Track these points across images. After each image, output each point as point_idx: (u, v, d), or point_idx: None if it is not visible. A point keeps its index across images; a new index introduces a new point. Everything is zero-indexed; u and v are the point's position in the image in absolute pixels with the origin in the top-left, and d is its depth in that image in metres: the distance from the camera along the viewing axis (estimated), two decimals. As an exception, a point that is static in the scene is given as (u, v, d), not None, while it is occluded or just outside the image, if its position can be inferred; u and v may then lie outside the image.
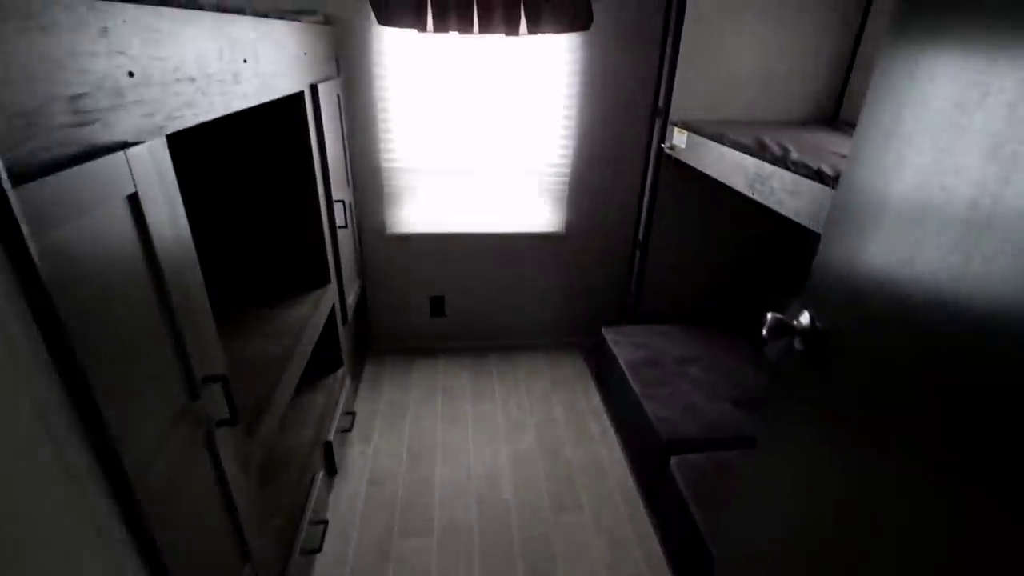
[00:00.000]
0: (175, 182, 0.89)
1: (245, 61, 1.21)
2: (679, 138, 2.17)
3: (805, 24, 2.17)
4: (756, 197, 1.59)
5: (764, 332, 0.91)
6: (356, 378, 2.59)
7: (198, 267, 0.97)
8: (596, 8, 2.21)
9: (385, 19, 2.11)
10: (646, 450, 2.03)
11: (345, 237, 2.22)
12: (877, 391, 0.74)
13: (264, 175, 1.81)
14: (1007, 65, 0.53)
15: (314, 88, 1.77)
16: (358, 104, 2.33)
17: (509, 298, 2.89)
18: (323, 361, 2.13)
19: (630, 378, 2.19)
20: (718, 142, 1.84)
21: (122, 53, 0.75)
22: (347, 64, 2.25)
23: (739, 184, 1.70)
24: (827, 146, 1.64)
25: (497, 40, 2.24)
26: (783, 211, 1.45)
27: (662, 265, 2.65)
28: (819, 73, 2.27)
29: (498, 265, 2.79)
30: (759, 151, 1.59)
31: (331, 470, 2.02)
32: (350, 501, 1.97)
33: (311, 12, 1.99)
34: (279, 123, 1.71)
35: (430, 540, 1.83)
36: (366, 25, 2.19)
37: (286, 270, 1.96)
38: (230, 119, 1.30)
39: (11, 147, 0.56)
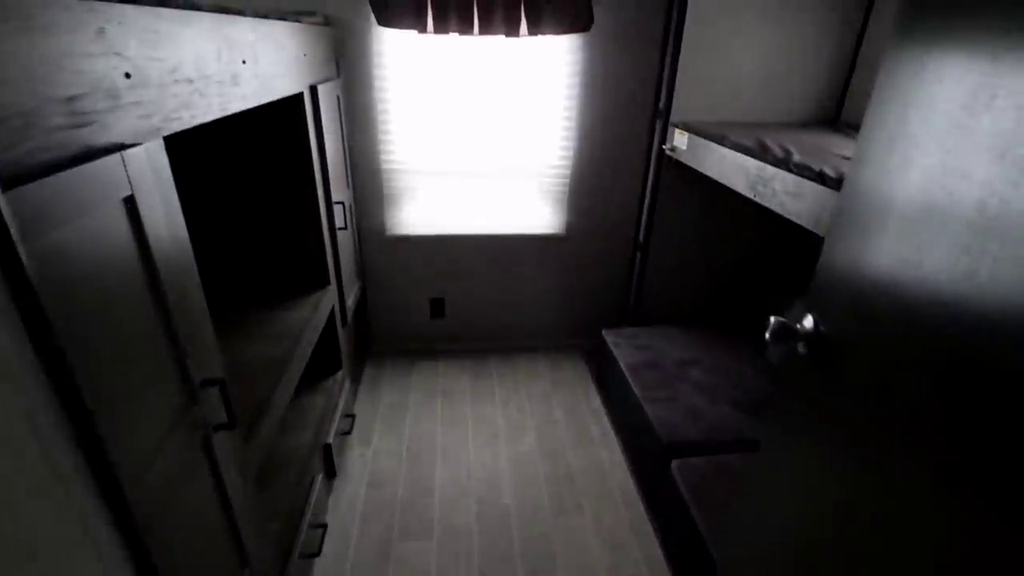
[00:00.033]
0: (172, 184, 0.89)
1: (244, 62, 1.20)
2: (680, 139, 2.16)
3: (806, 25, 2.17)
4: (758, 199, 1.58)
5: (767, 336, 0.90)
6: (356, 380, 2.58)
7: (196, 270, 0.96)
8: (597, 9, 2.20)
9: (385, 20, 2.10)
10: (647, 453, 2.02)
11: (345, 239, 2.21)
12: (882, 395, 0.73)
13: (263, 176, 1.80)
14: (1015, 66, 0.52)
15: (314, 89, 1.77)
16: (358, 105, 2.33)
17: (509, 300, 2.88)
18: (322, 363, 2.12)
19: (631, 380, 2.18)
20: (719, 144, 1.84)
21: (119, 54, 0.74)
22: (347, 65, 2.24)
23: (740, 186, 1.69)
24: (829, 148, 1.63)
25: (497, 41, 2.24)
26: (785, 213, 1.45)
27: (663, 267, 2.65)
28: (820, 74, 2.26)
29: (498, 267, 2.78)
30: (761, 153, 1.59)
31: (330, 473, 2.01)
32: (349, 504, 1.96)
33: (311, 13, 1.98)
34: (279, 124, 1.70)
35: (430, 543, 1.82)
36: (366, 26, 2.18)
37: (285, 272, 1.95)
38: (230, 120, 1.29)
39: (5, 149, 0.55)
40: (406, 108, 2.36)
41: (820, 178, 1.30)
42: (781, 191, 1.47)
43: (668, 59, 2.25)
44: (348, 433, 2.22)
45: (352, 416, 2.31)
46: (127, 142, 0.76)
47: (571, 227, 2.71)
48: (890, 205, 0.69)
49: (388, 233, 2.63)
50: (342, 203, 2.11)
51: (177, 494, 0.86)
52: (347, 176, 2.32)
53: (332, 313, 2.04)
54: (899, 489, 0.71)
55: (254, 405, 1.32)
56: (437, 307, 2.86)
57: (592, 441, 2.33)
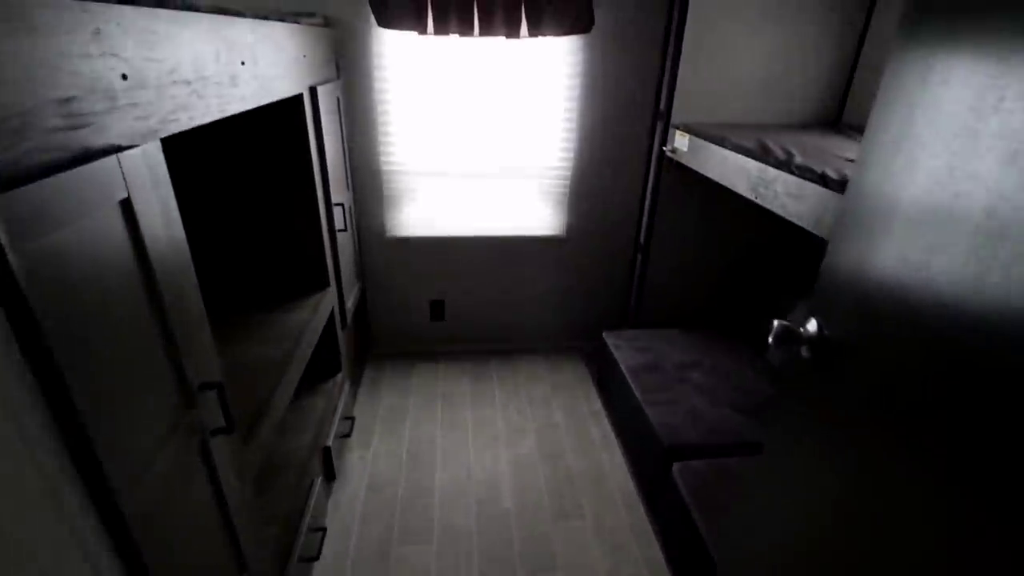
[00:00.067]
0: (170, 186, 0.88)
1: (243, 63, 1.20)
2: (681, 141, 2.15)
3: (807, 25, 2.16)
4: (759, 201, 1.58)
5: (770, 339, 0.89)
6: (355, 382, 2.57)
7: (193, 272, 0.95)
8: (597, 11, 2.20)
9: (385, 21, 2.10)
10: (647, 456, 2.01)
11: (344, 240, 2.21)
12: (886, 399, 0.72)
13: (263, 178, 1.80)
14: (1024, 68, 0.51)
15: (313, 91, 1.76)
16: (358, 106, 2.32)
17: (509, 302, 2.87)
18: (322, 365, 2.11)
19: (631, 383, 2.17)
20: (720, 145, 1.83)
21: (115, 55, 0.74)
22: (347, 66, 2.24)
23: (742, 188, 1.68)
24: (831, 149, 1.63)
25: (498, 42, 2.23)
26: (787, 215, 1.44)
27: (663, 268, 2.64)
28: (821, 75, 2.26)
29: (498, 268, 2.77)
30: (762, 154, 1.58)
31: (330, 475, 2.00)
32: (349, 507, 1.95)
33: (311, 14, 1.98)
34: (278, 126, 1.69)
35: (430, 546, 1.81)
36: (366, 27, 2.18)
37: (285, 274, 1.94)
38: (229, 121, 1.29)
39: (1, 151, 0.54)
40: (406, 109, 2.36)
41: (822, 180, 1.30)
42: (783, 193, 1.46)
43: (669, 60, 2.24)
44: (348, 436, 2.21)
45: (352, 418, 2.30)
46: (124, 144, 0.76)
47: (571, 229, 2.70)
48: (895, 208, 0.68)
49: (388, 234, 2.63)
50: (342, 205, 2.10)
51: (173, 499, 0.85)
52: (347, 177, 2.31)
53: (332, 315, 2.03)
54: (902, 495, 0.70)
55: (253, 408, 1.31)
56: (437, 309, 2.85)
57: (592, 443, 2.32)
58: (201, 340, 0.96)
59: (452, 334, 2.92)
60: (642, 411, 2.02)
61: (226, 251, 1.91)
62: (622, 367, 2.28)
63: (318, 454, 1.85)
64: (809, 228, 1.34)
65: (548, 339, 2.99)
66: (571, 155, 2.52)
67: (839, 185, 1.23)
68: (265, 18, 1.37)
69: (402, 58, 2.26)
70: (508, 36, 2.16)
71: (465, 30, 2.12)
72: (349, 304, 2.30)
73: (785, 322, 0.89)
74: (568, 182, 2.58)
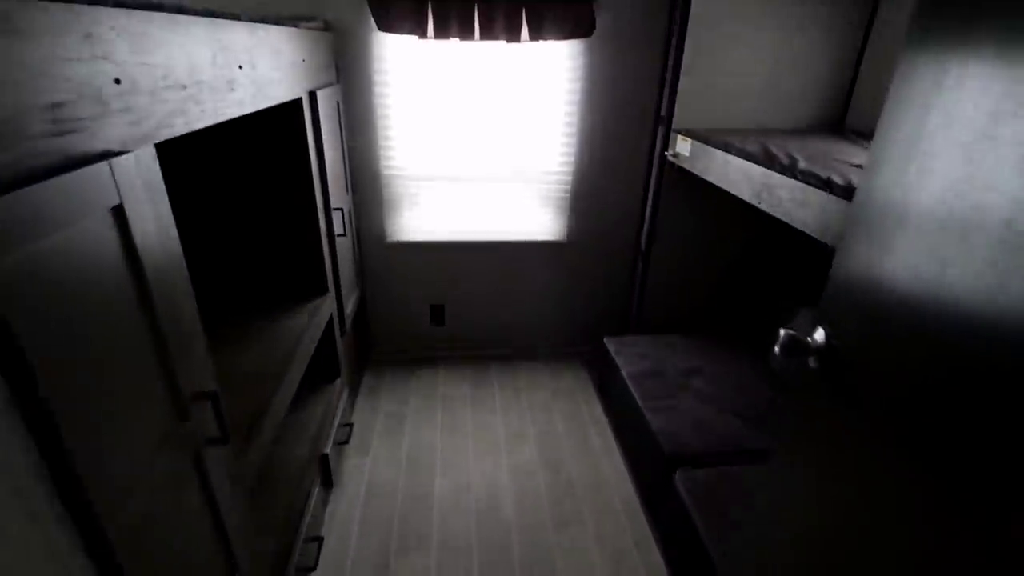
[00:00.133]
0: (164, 192, 0.86)
1: (240, 67, 1.18)
2: (683, 146, 2.14)
3: (809, 29, 2.15)
4: (763, 207, 1.56)
5: (777, 349, 0.87)
6: (354, 388, 2.55)
7: (188, 280, 0.93)
8: (598, 15, 2.19)
9: (386, 25, 2.09)
10: (648, 463, 1.98)
11: (344, 245, 2.19)
12: (897, 411, 0.70)
13: (261, 182, 1.78)
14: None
15: (313, 95, 1.75)
16: (358, 110, 2.31)
17: (510, 307, 2.85)
18: (320, 371, 2.09)
19: (632, 389, 2.15)
20: (723, 150, 1.81)
21: (107, 59, 0.72)
22: (347, 70, 2.22)
23: (745, 193, 1.67)
24: (835, 154, 1.61)
25: (498, 46, 2.22)
26: (791, 221, 1.42)
27: (664, 274, 2.62)
28: (823, 79, 2.24)
29: (499, 273, 2.75)
30: (766, 160, 1.56)
31: (327, 483, 1.98)
32: (347, 516, 1.92)
33: (310, 18, 1.96)
34: (277, 130, 1.68)
35: (428, 557, 1.79)
36: (366, 31, 2.16)
37: (283, 279, 1.92)
38: (227, 125, 1.27)
39: (-17, 158, 0.53)
40: (407, 113, 2.34)
41: (827, 186, 1.28)
42: (787, 199, 1.44)
43: (670, 64, 2.23)
44: (346, 442, 2.19)
45: (350, 425, 2.27)
46: (116, 149, 0.74)
47: (572, 233, 2.68)
48: (907, 216, 0.66)
49: (388, 239, 2.61)
50: (341, 209, 2.08)
51: (163, 514, 0.83)
52: (347, 182, 2.30)
53: (330, 321, 2.01)
54: (913, 509, 0.68)
55: (249, 416, 1.29)
56: (437, 313, 2.83)
57: (593, 450, 2.30)
58: (195, 349, 0.94)
59: (452, 339, 2.90)
60: (643, 418, 1.99)
61: (224, 256, 1.89)
62: (623, 373, 2.26)
63: (316, 462, 1.82)
64: (814, 235, 1.32)
65: (549, 344, 2.97)
66: (572, 159, 2.51)
67: (844, 191, 1.22)
68: (263, 22, 1.36)
69: (402, 62, 2.24)
70: (509, 40, 2.15)
71: (466, 34, 2.11)
72: (348, 309, 2.28)
73: (792, 331, 0.87)
74: (569, 186, 2.57)
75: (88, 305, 0.67)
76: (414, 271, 2.70)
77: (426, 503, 2.00)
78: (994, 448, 0.57)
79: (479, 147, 2.44)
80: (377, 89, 2.28)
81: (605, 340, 2.53)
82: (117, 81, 0.74)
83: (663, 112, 2.33)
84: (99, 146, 0.71)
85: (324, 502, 1.93)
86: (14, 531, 0.57)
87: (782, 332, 0.87)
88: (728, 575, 1.34)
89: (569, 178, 2.55)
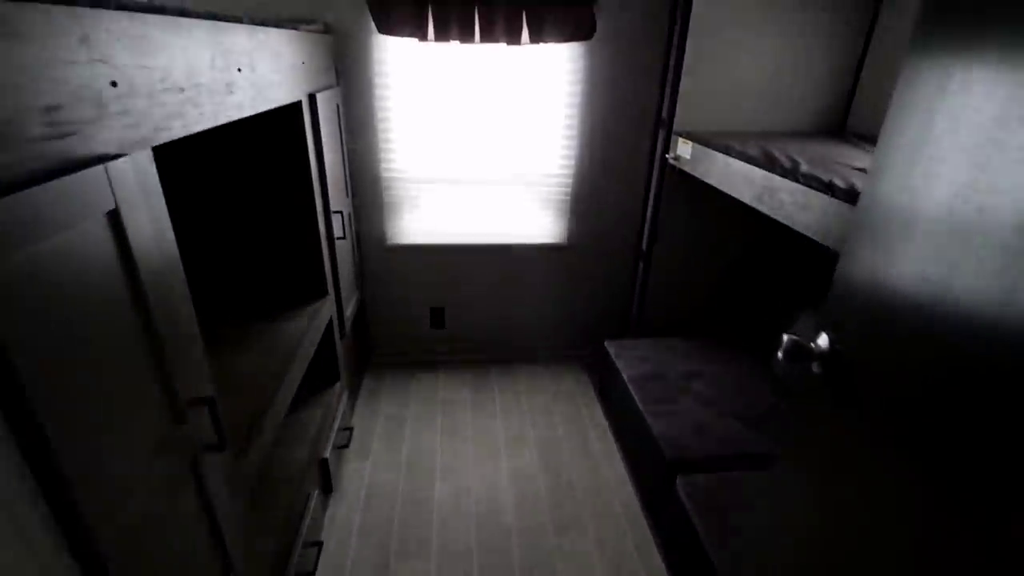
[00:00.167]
0: (161, 196, 0.85)
1: (239, 70, 1.18)
2: (683, 148, 2.13)
3: (810, 32, 2.15)
4: (765, 211, 1.55)
5: (780, 355, 0.86)
6: (354, 392, 2.54)
7: (185, 285, 0.92)
8: (599, 17, 2.18)
9: (386, 28, 2.08)
10: (650, 468, 1.97)
11: (343, 248, 2.18)
12: (902, 418, 0.69)
13: (261, 185, 1.77)
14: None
15: (312, 97, 1.74)
16: (358, 113, 2.30)
17: (510, 309, 2.84)
18: (320, 375, 2.08)
19: (633, 393, 2.14)
20: (724, 153, 1.81)
21: (104, 62, 0.71)
22: (347, 73, 2.22)
23: (746, 196, 1.66)
24: (837, 158, 1.60)
25: (498, 49, 2.22)
26: (793, 225, 1.41)
27: (665, 276, 2.61)
28: (824, 82, 2.24)
29: (499, 276, 2.74)
30: (767, 163, 1.56)
31: (327, 488, 1.97)
32: (346, 521, 1.91)
33: (311, 21, 1.96)
34: (276, 133, 1.67)
35: (428, 561, 1.78)
36: (367, 34, 2.16)
37: (282, 282, 1.92)
38: (227, 128, 1.26)
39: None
40: (407, 116, 2.34)
41: (829, 189, 1.27)
42: (789, 202, 1.43)
43: (671, 66, 2.22)
44: (345, 447, 2.18)
45: (350, 429, 2.26)
46: (112, 153, 0.73)
47: (573, 236, 2.67)
48: (913, 221, 0.66)
49: (388, 242, 2.60)
50: (341, 212, 2.08)
51: (158, 522, 0.82)
52: (346, 185, 2.29)
53: (330, 324, 2.01)
54: (918, 516, 0.67)
55: (248, 421, 1.28)
56: (437, 316, 2.82)
57: (594, 455, 2.28)
58: (192, 354, 0.93)
59: (452, 342, 2.89)
60: (644, 422, 1.98)
61: (223, 259, 1.88)
62: (623, 376, 2.25)
63: (315, 466, 1.82)
64: (817, 239, 1.31)
65: (549, 347, 2.96)
66: (572, 162, 2.50)
67: (847, 195, 1.21)
68: (263, 24, 1.35)
69: (403, 65, 2.24)
70: (509, 43, 2.15)
71: (466, 37, 2.11)
72: (348, 312, 2.27)
73: (796, 337, 0.86)
74: (569, 189, 2.56)
75: (82, 310, 0.67)
76: (414, 274, 2.69)
77: (426, 507, 1.98)
78: (1002, 455, 0.56)
79: (479, 150, 2.43)
80: (377, 92, 2.28)
81: (606, 343, 2.53)
82: (114, 84, 0.74)
83: (664, 115, 2.32)
84: (95, 149, 0.70)
85: (323, 506, 1.91)
86: (6, 558, 0.55)
87: (785, 337, 0.86)
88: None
89: (569, 181, 2.54)
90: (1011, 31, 0.54)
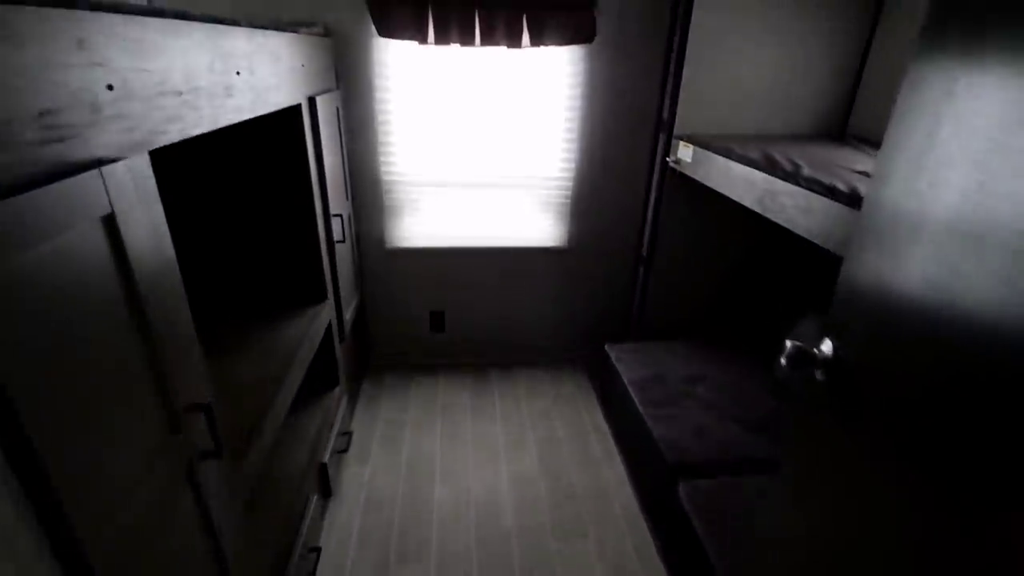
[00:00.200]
0: (158, 200, 0.84)
1: (239, 73, 1.17)
2: (685, 152, 2.13)
3: (811, 35, 2.14)
4: (766, 214, 1.54)
5: (783, 361, 0.85)
6: (353, 396, 2.53)
7: (182, 290, 0.92)
8: (599, 20, 2.18)
9: (386, 31, 2.08)
10: (651, 472, 1.96)
11: (343, 252, 2.17)
12: (907, 426, 0.68)
13: (260, 188, 1.77)
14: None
15: (312, 100, 1.74)
16: (358, 116, 2.30)
17: (511, 313, 2.83)
18: (319, 379, 2.07)
19: (634, 397, 2.13)
20: (725, 156, 1.80)
21: (100, 65, 0.71)
22: (347, 76, 2.22)
23: (747, 200, 1.65)
24: (838, 161, 1.60)
25: (499, 52, 2.21)
26: (795, 228, 1.40)
27: (666, 279, 2.60)
28: (825, 85, 2.23)
29: (499, 279, 2.73)
30: (768, 166, 1.55)
31: (326, 493, 1.95)
32: (345, 526, 1.90)
33: (310, 24, 1.96)
34: (276, 136, 1.67)
35: (428, 566, 1.76)
36: (367, 37, 2.16)
37: (281, 286, 1.91)
38: (226, 131, 1.26)
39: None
40: (407, 119, 2.34)
41: (831, 193, 1.26)
42: (791, 206, 1.43)
43: (672, 70, 2.22)
44: (345, 451, 2.17)
45: (349, 434, 2.25)
46: (108, 157, 0.72)
47: (573, 239, 2.67)
48: (919, 226, 0.65)
49: (388, 245, 2.59)
50: (340, 215, 2.07)
51: (154, 531, 0.81)
52: (346, 188, 2.28)
53: (329, 327, 2.00)
54: (922, 525, 0.66)
55: (245, 427, 1.27)
56: (437, 320, 2.81)
57: (595, 459, 2.27)
58: (189, 360, 0.92)
59: (452, 345, 2.88)
60: (645, 426, 1.97)
61: (221, 262, 1.88)
62: (624, 380, 2.24)
63: (314, 471, 1.80)
64: (818, 242, 1.30)
65: (549, 351, 2.95)
66: (573, 165, 2.49)
67: (849, 198, 1.20)
68: (263, 27, 1.35)
69: (403, 68, 2.24)
70: (509, 46, 2.15)
71: (466, 40, 2.10)
72: (347, 316, 2.26)
73: (799, 343, 0.85)
74: (570, 192, 2.56)
75: (76, 315, 0.66)
76: (414, 277, 2.68)
77: (426, 512, 1.97)
78: (1009, 463, 0.55)
79: (480, 153, 2.43)
80: (377, 95, 2.27)
81: (606, 346, 2.51)
82: (110, 87, 0.73)
83: (664, 118, 2.32)
84: (91, 153, 0.69)
85: (322, 511, 1.90)
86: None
87: (788, 343, 0.85)
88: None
89: (570, 184, 2.54)
90: (1017, 35, 0.53)
